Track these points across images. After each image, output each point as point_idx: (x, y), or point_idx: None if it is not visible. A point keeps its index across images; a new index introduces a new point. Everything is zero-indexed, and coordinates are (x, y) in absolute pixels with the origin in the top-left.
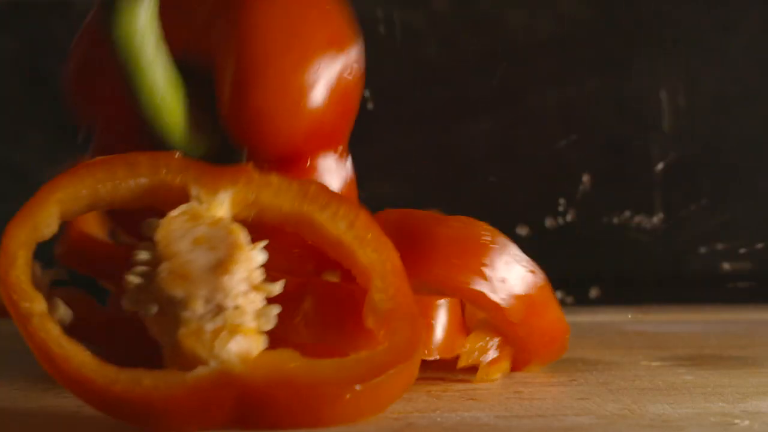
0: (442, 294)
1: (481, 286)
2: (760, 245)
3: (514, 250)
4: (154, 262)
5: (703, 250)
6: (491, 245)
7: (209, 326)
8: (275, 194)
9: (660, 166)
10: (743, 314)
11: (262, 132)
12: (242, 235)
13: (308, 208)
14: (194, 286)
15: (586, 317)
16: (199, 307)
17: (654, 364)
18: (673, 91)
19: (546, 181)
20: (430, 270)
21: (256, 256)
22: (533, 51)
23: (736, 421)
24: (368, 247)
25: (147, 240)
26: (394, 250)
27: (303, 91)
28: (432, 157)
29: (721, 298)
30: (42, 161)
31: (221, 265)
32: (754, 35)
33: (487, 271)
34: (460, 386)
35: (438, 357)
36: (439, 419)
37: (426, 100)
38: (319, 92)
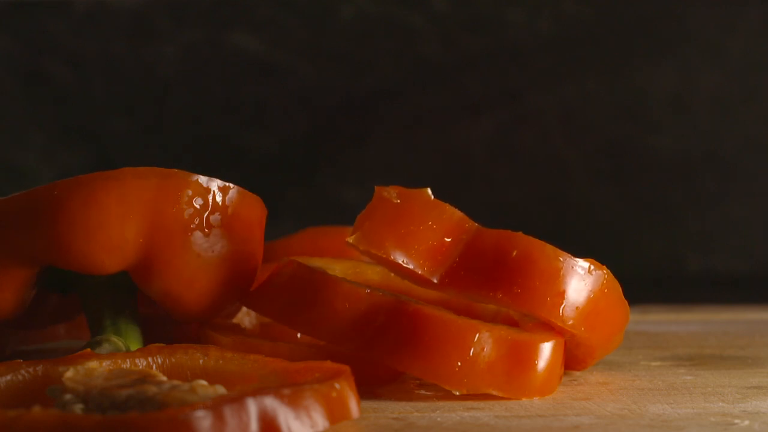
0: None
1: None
2: (759, 245)
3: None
4: (80, 395)
5: (703, 250)
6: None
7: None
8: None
9: (660, 166)
10: (743, 314)
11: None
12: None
13: None
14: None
15: None
16: (159, 381)
17: (654, 364)
18: (673, 91)
19: (545, 180)
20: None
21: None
22: (533, 51)
23: (736, 421)
24: None
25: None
26: None
27: None
28: (432, 157)
29: (721, 298)
30: (42, 161)
31: (146, 377)
32: (754, 35)
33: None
34: None
35: (534, 398)
36: (439, 419)
37: (426, 100)
38: None
